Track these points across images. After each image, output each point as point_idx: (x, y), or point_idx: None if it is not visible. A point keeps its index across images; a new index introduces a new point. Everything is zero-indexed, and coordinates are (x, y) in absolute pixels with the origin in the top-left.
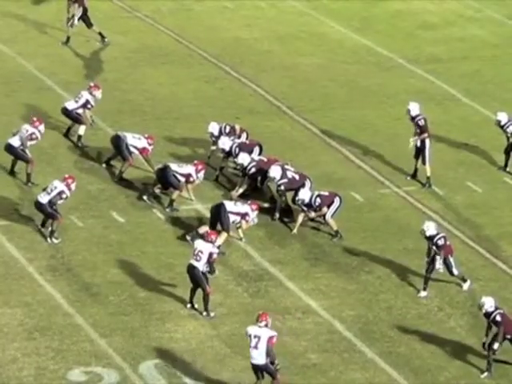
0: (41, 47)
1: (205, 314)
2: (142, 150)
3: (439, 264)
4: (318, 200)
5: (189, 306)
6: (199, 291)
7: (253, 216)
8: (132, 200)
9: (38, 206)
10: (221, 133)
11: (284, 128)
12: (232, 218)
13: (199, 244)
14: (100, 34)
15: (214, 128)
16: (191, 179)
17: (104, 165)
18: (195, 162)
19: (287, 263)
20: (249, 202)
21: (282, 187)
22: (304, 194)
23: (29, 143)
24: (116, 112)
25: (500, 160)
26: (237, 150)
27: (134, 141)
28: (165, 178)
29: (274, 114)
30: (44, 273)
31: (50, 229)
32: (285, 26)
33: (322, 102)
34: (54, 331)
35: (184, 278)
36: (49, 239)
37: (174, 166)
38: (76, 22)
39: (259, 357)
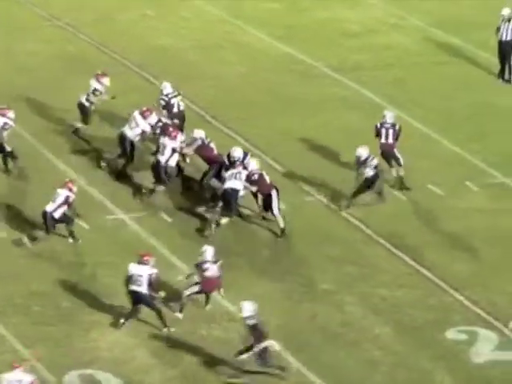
0: None
1: (165, 330)
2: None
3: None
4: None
5: (122, 320)
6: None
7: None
8: None
9: (45, 215)
10: None
11: (208, 137)
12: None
13: (135, 268)
14: None
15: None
16: None
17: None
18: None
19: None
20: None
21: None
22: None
23: (4, 134)
24: (37, 121)
25: (425, 167)
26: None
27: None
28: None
29: (198, 123)
30: None
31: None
32: (208, 34)
33: (246, 111)
34: None
35: (107, 287)
36: (70, 239)
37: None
38: None
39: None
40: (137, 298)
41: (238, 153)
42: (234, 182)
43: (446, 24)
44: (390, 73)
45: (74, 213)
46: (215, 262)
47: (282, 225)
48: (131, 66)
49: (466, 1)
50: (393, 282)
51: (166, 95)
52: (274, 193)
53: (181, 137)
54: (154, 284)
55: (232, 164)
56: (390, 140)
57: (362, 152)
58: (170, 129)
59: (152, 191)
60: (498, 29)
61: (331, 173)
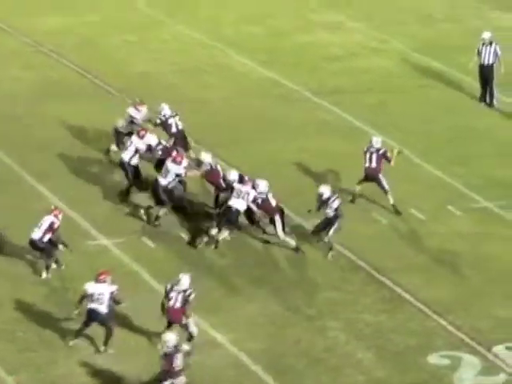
0: None
1: (102, 348)
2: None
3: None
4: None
5: (102, 349)
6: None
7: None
8: None
9: (32, 243)
10: None
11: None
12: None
13: (94, 287)
14: None
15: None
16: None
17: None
18: None
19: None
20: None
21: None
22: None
23: None
24: (21, 147)
25: (406, 191)
26: None
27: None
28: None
29: None
30: None
31: (45, 263)
32: (189, 58)
33: (228, 135)
34: None
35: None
36: (44, 273)
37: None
38: None
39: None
40: (95, 317)
41: (233, 175)
42: (240, 201)
43: (427, 47)
44: (370, 96)
45: (58, 240)
46: (185, 292)
47: (292, 244)
48: (112, 91)
49: (447, 24)
50: (375, 306)
51: (164, 115)
52: (277, 217)
53: (185, 162)
54: (117, 299)
55: (228, 187)
56: (374, 164)
57: (325, 191)
58: (174, 153)
59: (158, 217)
60: (479, 52)
61: (313, 197)
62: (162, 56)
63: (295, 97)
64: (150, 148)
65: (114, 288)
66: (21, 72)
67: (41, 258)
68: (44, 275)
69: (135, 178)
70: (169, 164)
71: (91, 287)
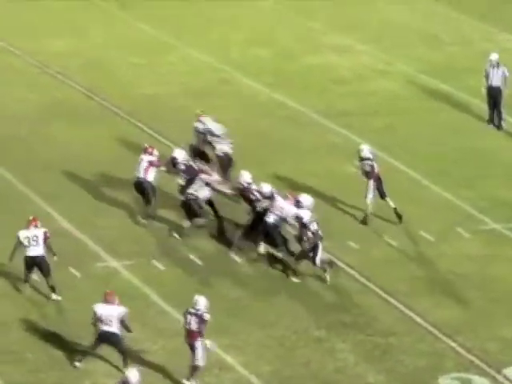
0: None
1: (125, 370)
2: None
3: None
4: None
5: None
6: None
7: None
8: None
9: (34, 260)
10: None
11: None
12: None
13: (103, 309)
14: None
15: None
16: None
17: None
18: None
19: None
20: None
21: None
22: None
23: None
24: (27, 167)
25: (414, 213)
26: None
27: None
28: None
29: None
30: None
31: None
32: (197, 80)
33: (237, 157)
34: None
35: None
36: (54, 295)
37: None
38: None
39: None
40: (107, 338)
41: (266, 188)
42: (275, 217)
43: (435, 70)
44: (378, 118)
45: (50, 251)
46: (199, 314)
47: (327, 278)
48: (120, 113)
49: (454, 47)
50: (385, 328)
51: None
52: (319, 245)
53: (215, 175)
54: (126, 322)
55: (263, 198)
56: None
57: (304, 215)
58: (204, 167)
59: (200, 226)
60: (486, 74)
61: (323, 218)
62: (168, 78)
63: (303, 119)
64: (174, 162)
65: (122, 309)
66: (26, 93)
67: (44, 276)
68: (54, 297)
69: (153, 195)
70: (200, 176)
71: (100, 309)
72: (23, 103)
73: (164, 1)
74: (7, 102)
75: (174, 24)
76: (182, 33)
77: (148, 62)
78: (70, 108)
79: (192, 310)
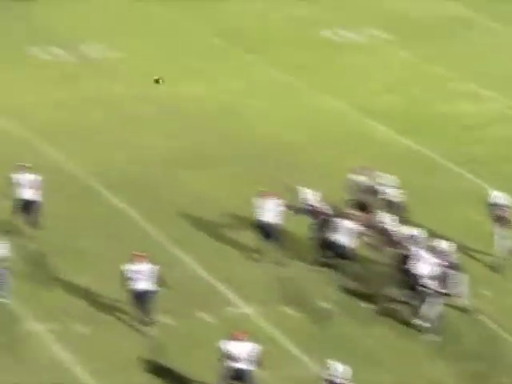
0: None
1: None
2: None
3: None
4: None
5: None
6: None
7: None
8: None
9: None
10: None
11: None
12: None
13: (233, 346)
14: None
15: None
16: None
17: None
18: None
19: None
20: None
21: None
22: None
23: None
24: (158, 213)
25: None
26: None
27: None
28: None
29: None
30: None
31: None
32: (326, 125)
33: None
34: None
35: None
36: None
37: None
38: None
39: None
40: (239, 376)
41: (444, 245)
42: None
43: None
44: (509, 165)
45: (161, 282)
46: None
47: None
48: (250, 158)
49: None
50: None
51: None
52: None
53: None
54: (259, 359)
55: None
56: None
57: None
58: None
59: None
60: None
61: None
62: (297, 123)
63: (436, 166)
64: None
65: (256, 347)
66: (160, 140)
67: (144, 311)
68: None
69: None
70: (343, 222)
71: (230, 346)
72: (150, 150)
73: (298, 50)
74: (134, 147)
75: (308, 71)
76: (313, 79)
77: (275, 105)
78: (202, 153)
79: (334, 378)
